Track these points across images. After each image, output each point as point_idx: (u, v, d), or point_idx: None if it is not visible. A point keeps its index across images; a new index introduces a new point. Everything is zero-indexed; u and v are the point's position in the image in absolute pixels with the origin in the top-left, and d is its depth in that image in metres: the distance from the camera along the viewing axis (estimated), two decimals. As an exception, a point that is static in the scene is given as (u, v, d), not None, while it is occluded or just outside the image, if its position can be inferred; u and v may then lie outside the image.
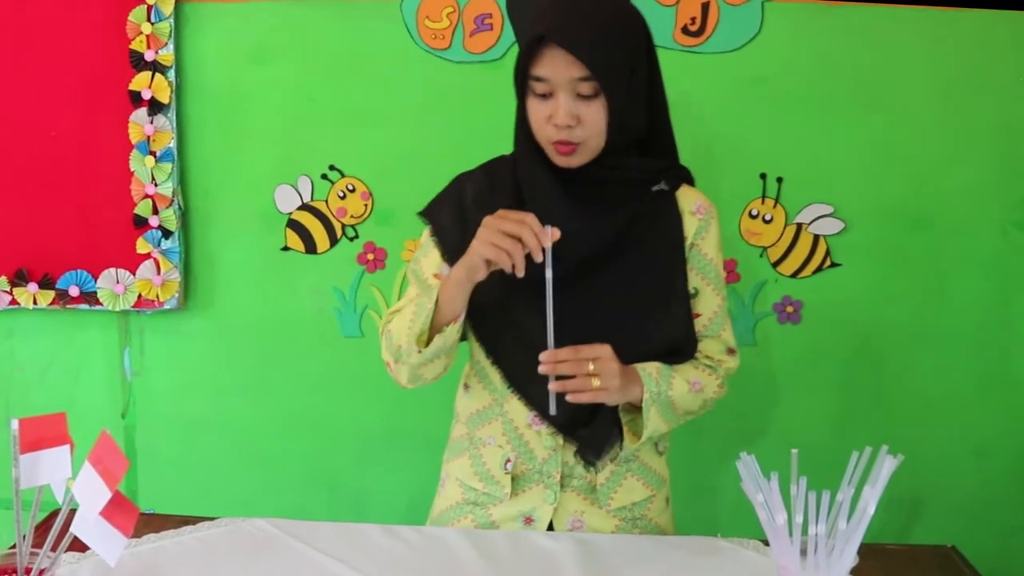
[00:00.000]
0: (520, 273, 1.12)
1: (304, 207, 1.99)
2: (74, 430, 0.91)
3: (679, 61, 1.86)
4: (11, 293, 1.99)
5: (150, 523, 1.23)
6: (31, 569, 0.87)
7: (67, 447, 0.90)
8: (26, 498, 0.88)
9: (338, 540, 1.21)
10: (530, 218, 1.13)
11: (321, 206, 1.98)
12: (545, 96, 1.17)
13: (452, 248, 1.26)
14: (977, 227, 1.92)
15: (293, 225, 2.00)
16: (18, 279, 1.98)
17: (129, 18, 1.89)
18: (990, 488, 2.00)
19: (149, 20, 1.89)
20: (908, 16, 1.84)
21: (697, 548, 1.22)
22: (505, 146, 1.30)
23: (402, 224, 1.96)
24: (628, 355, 1.21)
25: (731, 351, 1.33)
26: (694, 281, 1.29)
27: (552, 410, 1.16)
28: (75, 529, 0.85)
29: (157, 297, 1.98)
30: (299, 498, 2.08)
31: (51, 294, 1.98)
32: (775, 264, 1.95)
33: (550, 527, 1.29)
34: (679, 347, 1.28)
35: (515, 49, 1.24)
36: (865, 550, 0.91)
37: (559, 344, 1.15)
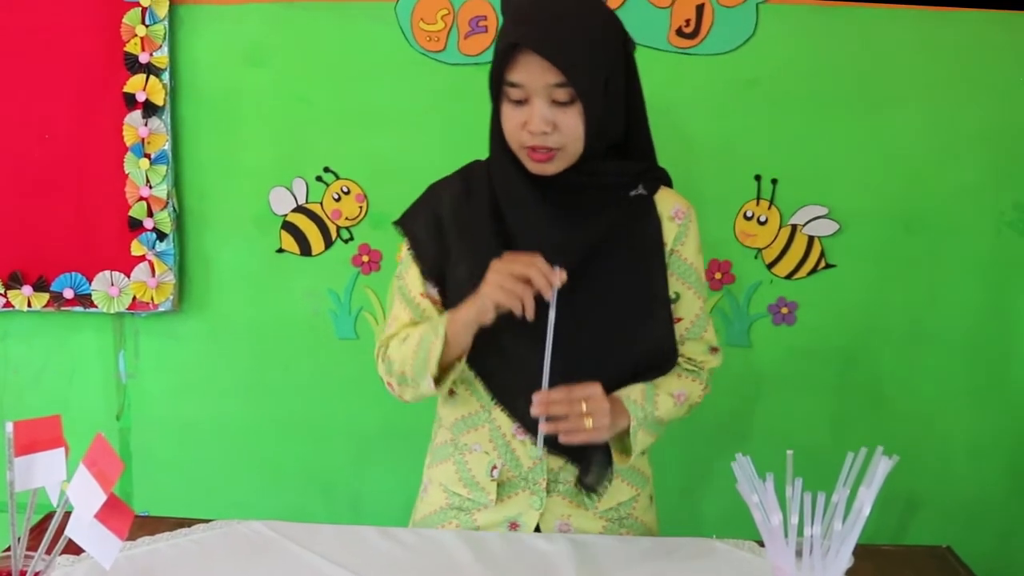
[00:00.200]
0: (530, 317, 1.12)
1: (299, 209, 1.98)
2: (69, 433, 0.91)
3: (674, 63, 1.85)
4: (5, 295, 1.98)
5: (145, 526, 1.23)
6: (26, 572, 0.87)
7: (62, 450, 0.90)
8: (21, 501, 0.88)
9: (334, 542, 1.20)
10: (539, 259, 1.13)
11: (316, 208, 1.98)
12: (520, 102, 1.16)
13: (430, 262, 1.26)
14: (972, 228, 1.92)
15: (288, 227, 1.99)
16: (12, 281, 1.98)
17: (123, 21, 1.89)
18: (985, 489, 2.00)
19: (143, 22, 1.88)
20: (901, 17, 1.84)
21: (693, 549, 1.23)
22: (500, 148, 1.30)
23: (397, 226, 1.96)
24: (611, 364, 1.22)
25: (714, 349, 1.34)
26: (675, 286, 1.29)
27: (539, 445, 1.15)
28: (70, 532, 0.85)
29: (152, 299, 1.97)
30: (295, 500, 2.08)
31: (46, 296, 1.98)
32: (770, 266, 1.95)
33: (537, 531, 1.28)
34: (660, 360, 1.28)
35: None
36: (860, 551, 0.91)
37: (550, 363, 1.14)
